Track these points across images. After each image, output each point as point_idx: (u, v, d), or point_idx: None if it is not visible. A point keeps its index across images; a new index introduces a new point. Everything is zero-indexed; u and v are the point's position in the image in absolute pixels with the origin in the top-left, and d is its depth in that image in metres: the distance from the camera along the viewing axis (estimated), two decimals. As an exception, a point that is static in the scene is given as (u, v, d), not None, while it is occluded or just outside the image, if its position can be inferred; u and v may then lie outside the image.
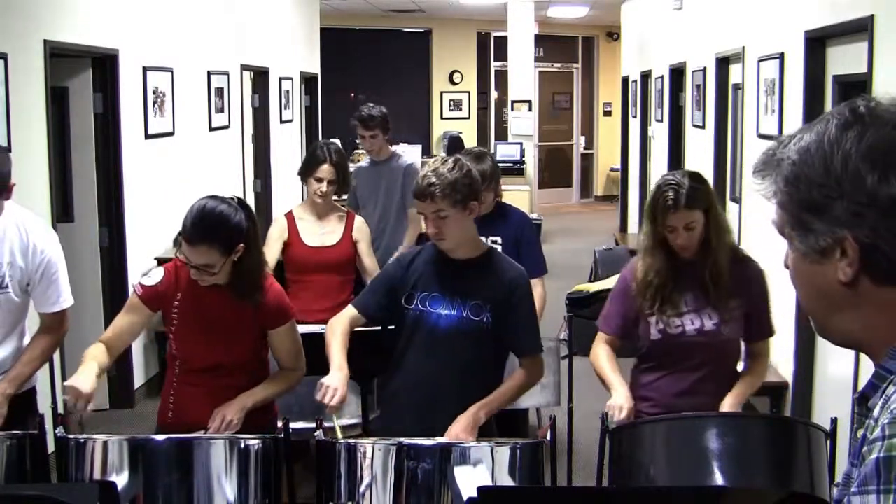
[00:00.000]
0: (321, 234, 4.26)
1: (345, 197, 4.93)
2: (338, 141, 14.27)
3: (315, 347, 3.46)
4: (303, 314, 4.06)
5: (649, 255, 2.99)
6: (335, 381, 2.79)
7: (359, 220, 4.38)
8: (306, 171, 4.26)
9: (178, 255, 2.82)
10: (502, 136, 14.52)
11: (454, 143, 9.01)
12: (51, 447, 2.66)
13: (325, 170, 4.19)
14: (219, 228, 2.73)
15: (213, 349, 2.90)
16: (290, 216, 4.33)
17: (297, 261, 4.25)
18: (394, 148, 5.49)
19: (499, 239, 4.05)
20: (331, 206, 4.32)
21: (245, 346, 2.93)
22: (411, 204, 5.35)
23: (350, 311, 3.06)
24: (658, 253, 2.98)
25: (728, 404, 2.94)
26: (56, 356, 4.48)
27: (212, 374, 2.92)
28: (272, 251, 4.24)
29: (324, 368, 3.54)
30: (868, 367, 3.29)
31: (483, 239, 3.95)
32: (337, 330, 2.98)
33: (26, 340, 3.15)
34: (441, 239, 2.92)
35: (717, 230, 2.96)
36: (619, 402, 2.89)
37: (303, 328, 3.82)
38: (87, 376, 2.67)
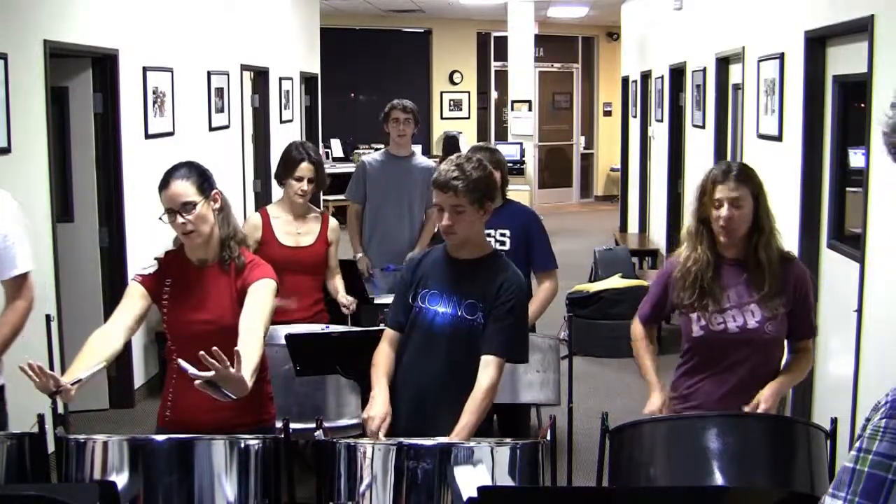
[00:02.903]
0: (297, 234, 4.26)
1: (336, 197, 4.92)
2: (337, 141, 14.19)
3: (303, 348, 3.48)
4: (277, 314, 4.08)
5: (692, 240, 3.01)
6: (374, 409, 2.87)
7: (333, 222, 4.41)
8: (284, 173, 4.27)
9: (160, 217, 2.90)
10: (502, 136, 14.53)
11: (451, 143, 8.99)
12: (51, 447, 2.66)
13: (304, 168, 4.21)
14: (191, 166, 2.96)
15: (201, 330, 2.88)
16: (264, 214, 4.32)
17: (272, 260, 4.19)
18: (415, 149, 5.54)
19: (507, 232, 4.06)
20: (307, 207, 4.34)
21: (231, 328, 2.86)
22: (431, 205, 5.37)
23: (386, 335, 3.09)
24: (703, 241, 2.99)
25: (766, 395, 2.89)
26: (56, 358, 4.49)
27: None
28: None
29: (314, 368, 3.55)
30: (868, 368, 3.31)
31: (492, 231, 3.97)
32: (377, 360, 3.05)
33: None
34: (452, 233, 2.94)
35: (767, 218, 2.95)
36: (654, 407, 2.98)
37: (284, 328, 3.85)
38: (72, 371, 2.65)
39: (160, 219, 2.91)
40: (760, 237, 2.94)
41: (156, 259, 3.06)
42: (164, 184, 2.91)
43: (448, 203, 2.91)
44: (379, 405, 2.88)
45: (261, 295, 2.89)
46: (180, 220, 2.86)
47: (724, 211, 2.90)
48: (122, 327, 2.85)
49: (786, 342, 3.06)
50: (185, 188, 2.88)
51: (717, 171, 2.96)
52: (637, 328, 3.21)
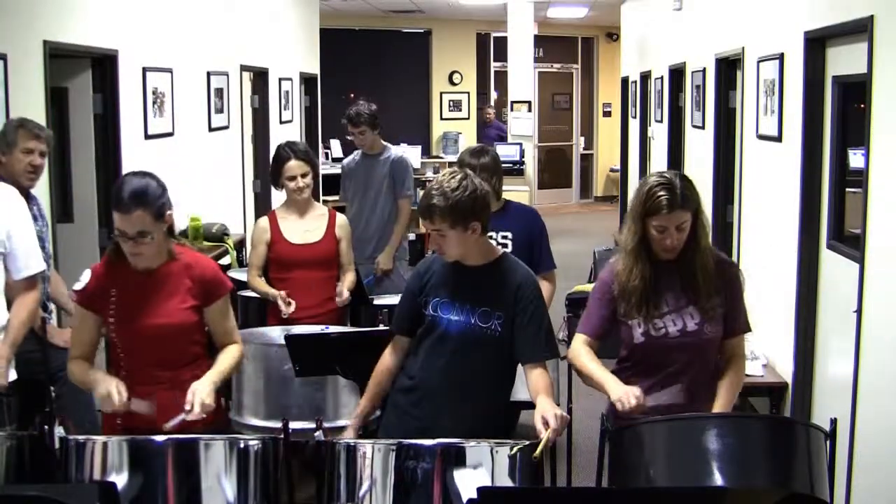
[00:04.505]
0: (304, 231, 4.33)
1: (335, 197, 5.15)
2: (337, 142, 14.17)
3: (303, 348, 3.48)
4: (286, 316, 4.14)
5: (632, 257, 2.96)
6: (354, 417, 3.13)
7: (341, 218, 4.47)
8: (277, 176, 4.32)
9: (113, 236, 2.91)
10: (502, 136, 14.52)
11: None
12: (51, 447, 2.66)
13: (292, 166, 4.26)
14: (148, 194, 2.85)
15: (159, 335, 2.92)
16: (272, 216, 4.42)
17: (281, 258, 4.33)
18: (388, 145, 5.71)
19: (509, 234, 4.06)
20: (312, 205, 4.41)
21: (191, 329, 2.98)
22: (402, 196, 5.51)
23: (393, 342, 3.14)
24: (641, 255, 2.95)
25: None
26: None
27: (164, 368, 2.95)
28: (258, 254, 4.34)
29: (314, 369, 3.55)
30: (868, 368, 3.31)
31: (493, 234, 3.97)
32: (375, 372, 3.14)
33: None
34: (442, 254, 2.96)
35: (704, 230, 2.95)
36: (621, 391, 2.80)
37: (296, 328, 3.88)
38: (109, 380, 2.85)
39: (110, 237, 2.92)
40: (697, 250, 2.93)
41: (90, 268, 3.05)
42: (122, 207, 2.83)
43: (429, 227, 2.93)
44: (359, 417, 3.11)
45: (224, 311, 3.06)
46: (132, 245, 2.87)
47: (668, 239, 2.89)
48: (89, 354, 3.02)
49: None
50: (143, 220, 2.84)
51: (659, 196, 2.85)
52: (582, 347, 3.05)
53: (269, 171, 4.65)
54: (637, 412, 2.76)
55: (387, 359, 3.12)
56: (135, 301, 2.94)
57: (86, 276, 3.01)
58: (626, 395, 2.79)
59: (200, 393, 2.79)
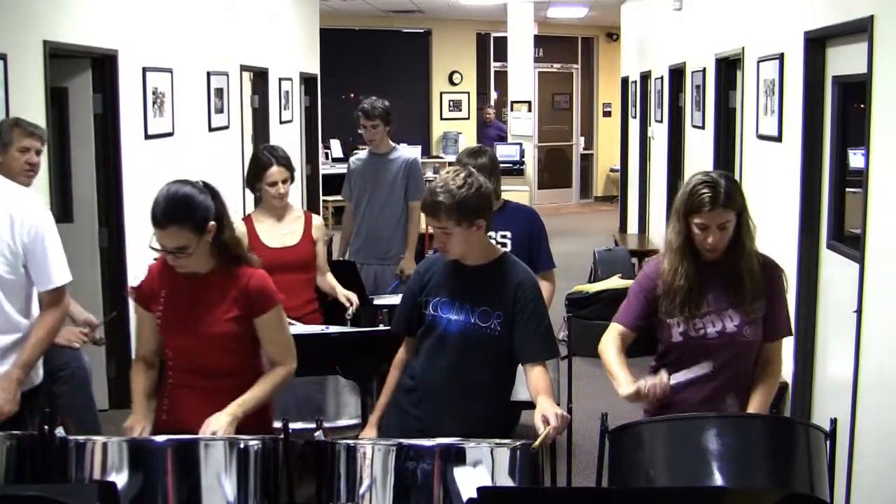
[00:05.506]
0: (281, 235, 4.32)
1: (334, 197, 5.06)
2: (337, 142, 14.10)
3: (303, 348, 3.49)
4: None
5: (677, 255, 2.95)
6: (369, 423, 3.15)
7: (317, 220, 4.46)
8: (255, 180, 4.30)
9: (151, 245, 2.85)
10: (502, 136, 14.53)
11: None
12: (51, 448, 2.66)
13: (273, 173, 4.24)
14: (186, 208, 2.78)
15: (201, 343, 2.89)
16: (248, 220, 4.39)
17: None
18: (395, 145, 5.64)
19: (508, 233, 4.06)
20: (288, 207, 4.40)
21: (232, 340, 2.90)
22: (414, 198, 5.46)
23: (404, 344, 3.16)
24: (686, 254, 2.93)
25: None
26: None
27: (203, 375, 2.92)
28: None
29: (314, 368, 3.55)
30: (868, 368, 3.31)
31: (492, 233, 3.97)
32: (390, 383, 3.15)
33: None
34: (446, 251, 2.96)
35: (749, 231, 2.93)
36: (627, 389, 2.79)
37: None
38: (140, 418, 2.87)
39: (151, 247, 2.86)
40: (741, 251, 2.92)
41: (150, 263, 3.04)
42: (156, 222, 2.77)
43: (434, 225, 2.92)
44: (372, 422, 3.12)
45: (276, 325, 2.96)
46: (172, 258, 2.84)
47: (710, 238, 2.87)
48: (154, 359, 3.03)
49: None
50: (179, 236, 2.78)
51: (702, 194, 2.84)
52: (612, 341, 3.00)
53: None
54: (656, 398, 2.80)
55: (401, 355, 3.15)
56: (180, 305, 2.91)
57: (142, 274, 3.01)
58: (649, 385, 2.80)
59: (214, 427, 2.72)
